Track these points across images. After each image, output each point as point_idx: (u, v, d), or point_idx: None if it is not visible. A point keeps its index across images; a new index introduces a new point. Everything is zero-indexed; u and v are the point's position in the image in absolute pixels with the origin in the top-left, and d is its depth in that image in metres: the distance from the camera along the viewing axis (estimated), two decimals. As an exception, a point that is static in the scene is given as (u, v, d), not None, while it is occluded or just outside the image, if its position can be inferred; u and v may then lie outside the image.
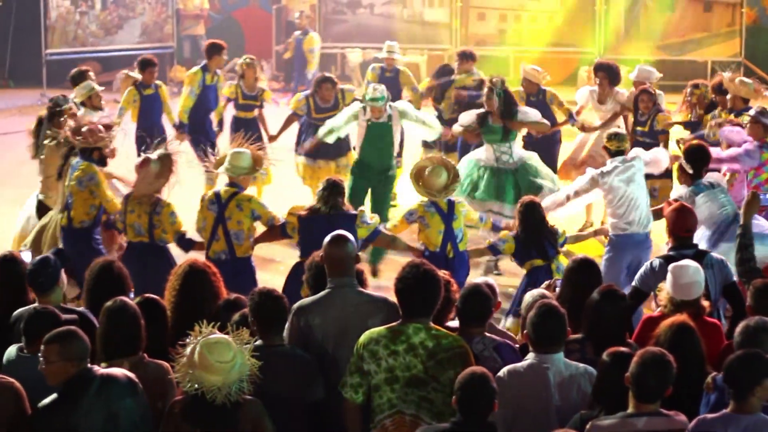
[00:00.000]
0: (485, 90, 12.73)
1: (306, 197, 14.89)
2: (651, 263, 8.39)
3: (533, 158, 12.78)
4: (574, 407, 6.36)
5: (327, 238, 7.31)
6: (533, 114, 12.67)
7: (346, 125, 13.06)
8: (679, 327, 6.71)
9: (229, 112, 15.13)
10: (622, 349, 6.42)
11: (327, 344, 7.03)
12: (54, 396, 6.19)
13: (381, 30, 22.49)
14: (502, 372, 6.54)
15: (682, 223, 8.51)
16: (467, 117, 12.82)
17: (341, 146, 14.30)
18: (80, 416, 6.14)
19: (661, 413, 6.04)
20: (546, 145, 14.25)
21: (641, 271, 8.42)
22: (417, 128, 13.11)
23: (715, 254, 8.54)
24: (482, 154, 12.74)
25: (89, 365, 6.26)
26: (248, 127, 13.72)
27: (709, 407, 6.43)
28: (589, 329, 7.04)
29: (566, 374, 6.47)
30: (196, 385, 6.17)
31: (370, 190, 12.93)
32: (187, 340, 6.32)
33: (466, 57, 15.26)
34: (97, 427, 6.13)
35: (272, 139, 14.76)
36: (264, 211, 9.89)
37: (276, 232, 9.93)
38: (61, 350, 6.18)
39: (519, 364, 6.57)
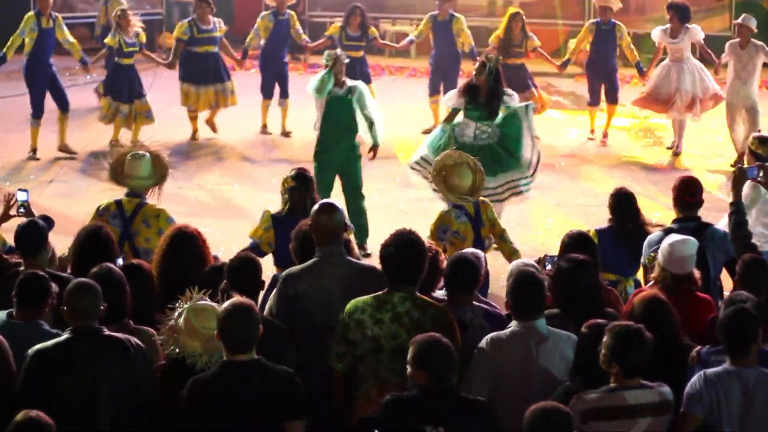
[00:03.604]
0: (477, 64, 12.00)
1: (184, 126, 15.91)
2: (650, 239, 8.29)
3: (512, 127, 11.71)
4: (557, 374, 6.37)
5: (315, 207, 7.30)
6: (515, 98, 11.89)
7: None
8: (650, 301, 6.69)
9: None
10: (600, 321, 6.40)
11: (314, 313, 7.01)
12: (53, 341, 6.21)
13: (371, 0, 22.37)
14: (484, 340, 6.53)
15: (684, 188, 8.43)
16: (453, 98, 11.96)
17: (219, 72, 15.96)
18: (64, 368, 6.11)
19: (645, 385, 6.06)
20: (605, 72, 15.88)
21: (645, 250, 8.33)
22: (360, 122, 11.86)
23: (718, 227, 8.46)
24: (463, 129, 11.72)
25: (96, 325, 6.22)
26: (128, 73, 15.52)
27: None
28: (564, 302, 6.87)
29: (549, 341, 6.46)
30: (177, 349, 6.18)
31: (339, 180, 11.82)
32: (177, 305, 6.32)
33: None
34: (74, 383, 6.09)
35: (170, 66, 16.14)
36: None
37: None
38: (66, 298, 6.24)
39: (501, 332, 6.56)
